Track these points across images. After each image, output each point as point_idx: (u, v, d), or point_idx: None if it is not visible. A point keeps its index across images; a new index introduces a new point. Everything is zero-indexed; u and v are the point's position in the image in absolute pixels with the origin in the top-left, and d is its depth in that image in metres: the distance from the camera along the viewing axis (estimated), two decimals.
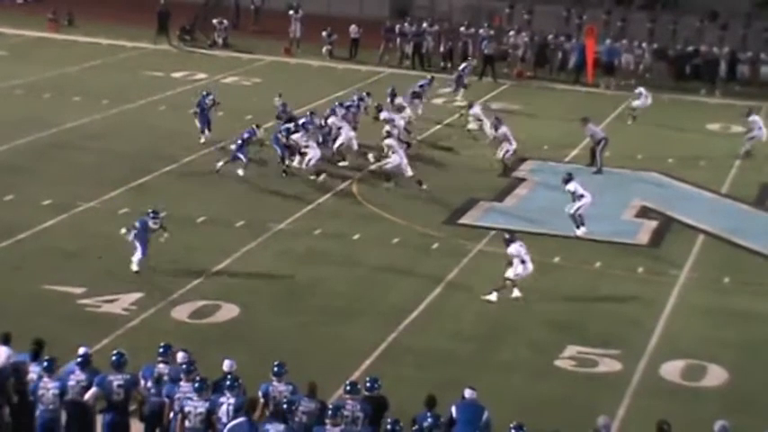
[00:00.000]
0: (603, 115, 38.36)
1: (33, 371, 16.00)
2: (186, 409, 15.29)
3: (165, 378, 16.06)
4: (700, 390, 19.82)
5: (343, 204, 28.33)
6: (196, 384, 15.41)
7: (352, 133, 31.19)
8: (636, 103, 37.63)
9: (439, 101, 38.71)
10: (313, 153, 29.69)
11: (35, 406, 15.76)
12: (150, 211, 23.53)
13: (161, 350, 16.39)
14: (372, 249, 25.38)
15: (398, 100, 34.13)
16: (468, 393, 16.14)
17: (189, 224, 26.19)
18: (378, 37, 45.49)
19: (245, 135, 29.55)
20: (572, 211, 26.52)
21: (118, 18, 49.16)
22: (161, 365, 16.24)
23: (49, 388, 15.70)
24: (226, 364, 16.32)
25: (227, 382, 15.50)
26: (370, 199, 28.58)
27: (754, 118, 34.41)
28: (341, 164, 30.91)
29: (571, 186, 26.57)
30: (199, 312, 21.76)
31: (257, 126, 29.90)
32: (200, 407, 15.25)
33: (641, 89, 38.19)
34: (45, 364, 15.83)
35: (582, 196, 26.48)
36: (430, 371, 19.41)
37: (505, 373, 19.65)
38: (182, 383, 15.69)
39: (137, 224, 23.29)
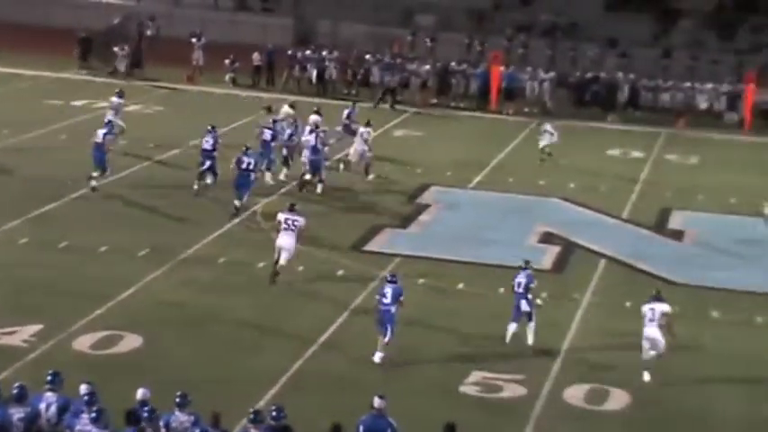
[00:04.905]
0: (507, 140, 38.76)
1: None
2: None
3: (53, 408, 15.67)
4: (603, 413, 19.99)
5: (247, 231, 28.20)
6: (93, 414, 15.16)
7: None
8: (543, 142, 35.42)
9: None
10: None
11: None
12: None
13: (49, 378, 16.02)
14: (278, 277, 25.23)
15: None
16: (377, 402, 16.07)
17: (90, 254, 25.83)
18: (281, 64, 45.63)
19: None
20: None
21: (11, 46, 48.27)
22: (49, 394, 15.87)
23: None
24: (139, 393, 16.02)
25: (146, 414, 15.27)
26: (273, 225, 28.40)
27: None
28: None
29: None
30: (101, 343, 21.43)
31: None
32: None
33: (548, 126, 35.95)
34: None
35: None
36: (336, 398, 19.32)
37: (410, 399, 19.59)
38: (83, 416, 15.36)
39: None
